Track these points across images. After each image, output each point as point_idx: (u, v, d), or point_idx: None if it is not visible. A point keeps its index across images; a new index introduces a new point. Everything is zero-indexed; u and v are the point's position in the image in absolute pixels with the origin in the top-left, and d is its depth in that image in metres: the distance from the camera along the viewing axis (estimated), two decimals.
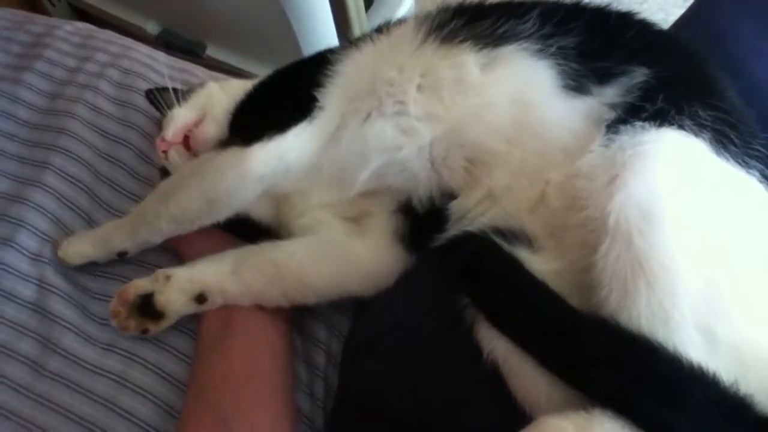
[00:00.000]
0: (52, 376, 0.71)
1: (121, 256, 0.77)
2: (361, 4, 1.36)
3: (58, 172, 0.84)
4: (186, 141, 0.79)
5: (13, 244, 0.77)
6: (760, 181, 0.57)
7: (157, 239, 0.75)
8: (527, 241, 0.60)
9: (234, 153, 0.70)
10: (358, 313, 0.77)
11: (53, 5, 1.75)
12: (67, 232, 0.80)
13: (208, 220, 0.72)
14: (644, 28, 0.67)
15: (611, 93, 0.61)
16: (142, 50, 1.01)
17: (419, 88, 0.68)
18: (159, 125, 0.88)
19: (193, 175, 0.71)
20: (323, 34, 1.41)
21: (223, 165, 0.70)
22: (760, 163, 0.58)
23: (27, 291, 0.76)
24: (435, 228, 0.66)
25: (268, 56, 1.54)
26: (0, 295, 0.75)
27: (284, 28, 1.39)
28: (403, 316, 0.66)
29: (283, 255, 0.71)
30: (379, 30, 0.75)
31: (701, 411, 0.47)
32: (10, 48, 0.99)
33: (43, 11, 1.73)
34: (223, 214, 0.72)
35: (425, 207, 0.69)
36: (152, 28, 1.66)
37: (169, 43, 1.63)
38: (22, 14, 1.07)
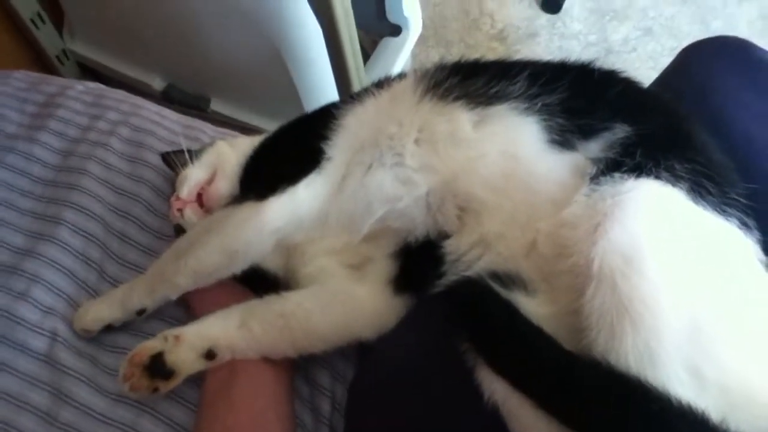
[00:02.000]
0: (63, 426, 0.73)
1: (140, 315, 0.79)
2: (360, 61, 1.41)
3: (71, 227, 0.87)
4: (199, 198, 0.83)
5: (27, 298, 0.80)
6: (740, 228, 0.60)
7: (174, 295, 0.77)
8: (523, 285, 0.63)
9: (250, 207, 0.73)
10: (361, 359, 0.79)
11: (62, 63, 1.81)
12: (80, 284, 0.83)
13: (226, 273, 0.75)
14: (627, 86, 0.70)
15: (594, 148, 0.64)
16: (152, 108, 1.05)
17: (417, 141, 0.72)
18: (168, 180, 0.92)
19: (210, 231, 0.74)
20: (324, 88, 1.46)
21: (240, 219, 0.73)
22: (738, 211, 0.61)
23: (39, 343, 0.78)
24: (432, 271, 0.69)
25: (271, 110, 1.59)
26: (13, 347, 0.77)
27: (286, 82, 1.44)
28: (406, 360, 0.68)
29: (291, 305, 0.73)
30: (380, 84, 0.79)
31: None
32: (25, 108, 1.03)
33: (52, 69, 1.79)
34: (239, 266, 0.75)
35: (422, 247, 0.71)
36: (158, 83, 1.71)
37: (175, 97, 1.68)
38: (36, 75, 1.11)
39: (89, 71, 1.83)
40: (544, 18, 2.11)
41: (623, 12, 2.08)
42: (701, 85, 0.78)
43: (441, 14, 2.14)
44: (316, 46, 1.40)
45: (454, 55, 2.06)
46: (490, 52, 2.06)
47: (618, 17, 2.07)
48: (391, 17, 1.83)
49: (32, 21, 1.68)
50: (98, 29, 1.75)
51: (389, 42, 1.84)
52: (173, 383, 0.71)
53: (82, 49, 1.80)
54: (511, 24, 2.11)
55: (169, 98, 1.69)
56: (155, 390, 0.71)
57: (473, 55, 2.22)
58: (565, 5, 2.10)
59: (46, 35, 1.74)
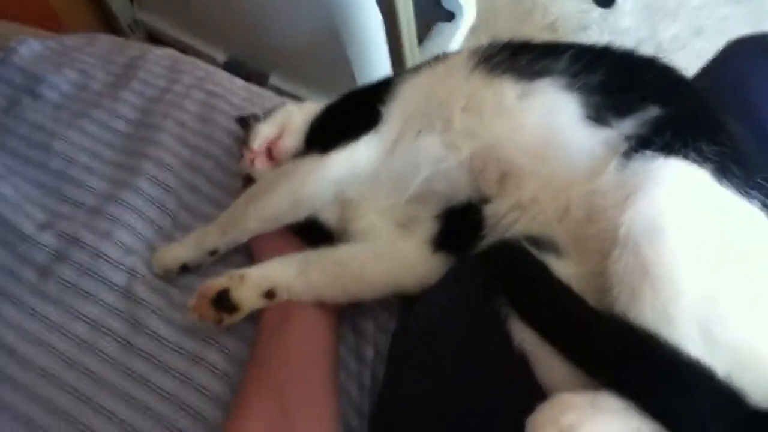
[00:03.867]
0: (139, 352, 0.81)
1: (212, 255, 0.87)
2: (415, 44, 1.48)
3: (150, 177, 0.96)
4: (269, 152, 0.91)
5: (111, 238, 0.89)
6: (762, 209, 0.65)
7: (244, 238, 0.86)
8: (554, 248, 0.69)
9: (314, 159, 0.82)
10: (403, 313, 0.86)
11: (132, 32, 1.92)
12: (156, 229, 0.92)
13: (290, 219, 0.84)
14: (662, 71, 0.75)
15: (627, 125, 0.69)
16: (223, 75, 1.14)
17: (464, 109, 0.78)
18: (237, 141, 1.01)
19: (278, 180, 0.83)
20: (379, 68, 1.52)
21: (305, 170, 0.82)
22: (762, 194, 0.65)
23: (120, 277, 0.87)
24: (473, 234, 0.75)
25: (327, 86, 1.65)
26: (97, 279, 0.86)
27: (343, 61, 1.51)
28: (444, 314, 0.75)
29: (345, 255, 0.81)
30: (437, 58, 0.87)
31: (696, 395, 0.55)
32: (109, 68, 1.12)
33: (124, 37, 1.89)
34: (303, 213, 0.84)
35: (464, 210, 0.78)
36: (220, 56, 1.80)
37: (235, 71, 1.76)
38: (119, 40, 1.22)
39: (156, 41, 1.92)
40: (597, 12, 2.13)
41: (675, 10, 2.09)
42: (740, 78, 0.83)
43: (494, 3, 2.18)
44: (373, 26, 1.46)
45: None
46: None
47: (670, 15, 2.08)
48: (446, 3, 1.89)
49: None
50: (167, 2, 1.84)
51: (443, 27, 1.90)
52: (236, 317, 0.79)
53: (151, 19, 1.90)
54: (563, 16, 2.14)
55: (230, 71, 1.74)
56: (219, 321, 0.79)
57: None
58: (619, 0, 2.12)
59: (119, 4, 1.85)
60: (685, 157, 0.64)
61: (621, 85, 0.73)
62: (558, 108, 0.73)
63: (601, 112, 0.71)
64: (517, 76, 0.76)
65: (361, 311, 0.87)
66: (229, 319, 0.79)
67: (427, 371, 0.74)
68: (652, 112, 0.69)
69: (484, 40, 0.83)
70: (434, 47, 1.85)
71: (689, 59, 0.92)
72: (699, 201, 0.63)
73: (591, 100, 0.72)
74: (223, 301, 0.78)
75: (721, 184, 0.63)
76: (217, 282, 0.79)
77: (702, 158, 0.64)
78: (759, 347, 0.59)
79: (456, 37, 1.90)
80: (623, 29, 2.08)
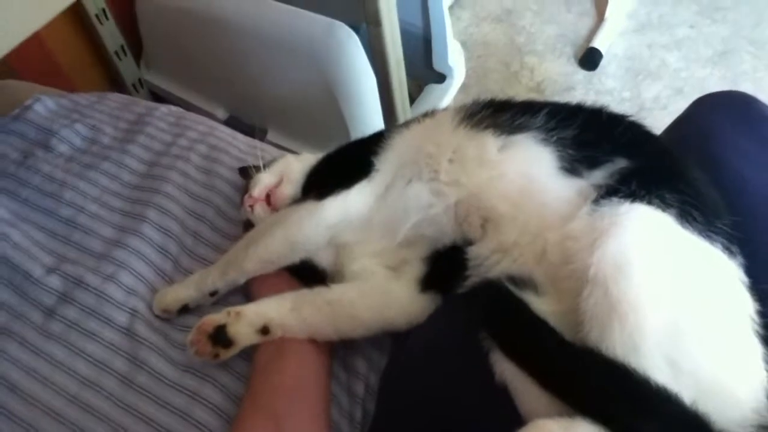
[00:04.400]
0: (139, 389, 0.84)
1: (212, 295, 0.92)
2: (407, 103, 1.56)
3: (154, 224, 1.01)
4: (268, 199, 0.97)
5: (115, 280, 0.94)
6: (723, 251, 0.70)
7: (242, 279, 0.91)
8: (534, 287, 0.73)
9: (310, 205, 0.88)
10: (394, 350, 0.90)
11: (137, 91, 2.01)
12: (158, 272, 0.97)
13: (287, 261, 0.89)
14: (630, 127, 0.82)
15: (597, 176, 0.76)
16: (225, 131, 1.21)
17: (450, 161, 0.84)
18: (237, 191, 1.07)
19: (276, 224, 0.88)
20: (372, 126, 1.60)
21: (301, 215, 0.88)
22: (723, 238, 0.71)
23: (122, 318, 0.91)
24: (458, 274, 0.80)
25: (322, 143, 1.73)
26: (101, 320, 0.90)
27: (338, 119, 1.58)
28: (432, 342, 0.79)
29: (337, 295, 0.86)
30: (426, 114, 0.94)
31: (664, 420, 0.59)
32: (118, 124, 1.20)
33: (129, 95, 1.98)
34: (298, 256, 0.89)
35: (450, 253, 0.84)
36: (221, 113, 1.88)
37: (235, 127, 1.84)
38: (127, 97, 1.29)
39: (160, 99, 2.01)
40: (581, 74, 2.24)
41: (657, 72, 2.20)
42: (705, 132, 0.88)
43: (483, 65, 2.30)
44: (367, 87, 1.55)
45: None
46: None
47: (651, 76, 2.19)
48: (437, 66, 1.98)
49: (116, 53, 1.89)
50: (171, 63, 1.93)
51: (434, 88, 1.99)
52: (232, 352, 0.83)
53: (155, 79, 1.99)
54: (550, 78, 2.24)
55: (230, 127, 1.85)
56: (216, 356, 0.82)
57: None
58: (602, 62, 2.23)
59: (126, 66, 1.94)
60: (649, 203, 0.70)
61: (592, 139, 0.79)
62: (535, 160, 0.80)
63: (573, 164, 0.78)
64: (498, 131, 0.83)
65: (353, 349, 0.91)
66: (224, 354, 0.83)
67: (416, 403, 0.77)
68: (620, 163, 0.76)
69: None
70: (426, 106, 1.94)
71: (670, 117, 0.99)
72: (661, 242, 0.68)
73: (565, 153, 0.78)
74: (220, 337, 0.82)
75: (683, 228, 0.69)
76: (215, 318, 0.83)
77: (665, 204, 0.70)
78: (720, 375, 0.64)
79: (446, 97, 1.99)
80: (607, 90, 2.18)
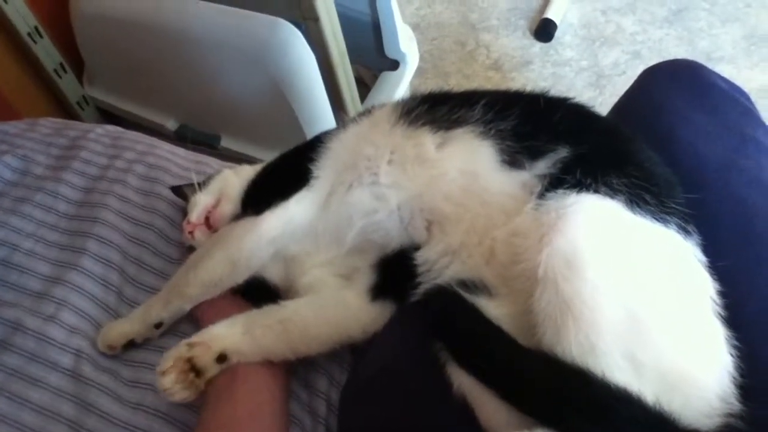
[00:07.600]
0: None
1: (157, 328, 0.87)
2: (356, 94, 1.52)
3: (93, 256, 0.97)
4: (207, 221, 0.92)
5: (56, 320, 0.89)
6: (678, 233, 0.67)
7: (187, 306, 0.86)
8: (485, 290, 0.70)
9: (249, 221, 0.84)
10: (354, 364, 0.86)
11: (83, 109, 1.94)
12: (102, 306, 0.92)
13: (231, 282, 0.84)
14: (570, 111, 0.79)
15: (540, 167, 0.72)
16: (165, 147, 1.16)
17: (389, 162, 0.81)
18: (179, 210, 1.02)
19: (215, 245, 0.84)
20: (325, 122, 1.55)
21: (241, 232, 0.83)
22: (677, 218, 0.68)
23: (66, 360, 0.86)
24: (409, 280, 0.77)
25: (277, 144, 1.68)
26: (45, 365, 0.85)
27: (290, 118, 1.53)
28: (388, 362, 0.76)
29: (288, 312, 0.81)
30: (363, 113, 0.89)
31: (625, 424, 0.56)
32: (51, 151, 1.14)
33: (74, 114, 1.91)
34: (242, 275, 0.84)
35: (399, 258, 0.80)
36: (171, 124, 1.81)
37: (187, 137, 1.79)
38: (60, 121, 1.23)
39: (107, 115, 1.95)
40: (538, 46, 2.21)
41: (613, 38, 2.17)
42: (654, 105, 0.86)
43: (439, 47, 2.25)
44: (315, 82, 1.50)
45: (451, 85, 2.16)
46: (487, 81, 2.15)
47: (608, 42, 2.16)
48: (389, 53, 1.94)
49: (55, 71, 1.81)
50: (115, 76, 1.86)
51: (388, 76, 1.94)
52: (203, 380, 0.77)
53: (100, 94, 1.92)
54: (506, 54, 2.21)
55: (182, 137, 1.79)
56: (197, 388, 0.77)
57: (470, 84, 2.32)
58: (557, 33, 2.20)
59: (67, 83, 1.86)
60: (596, 191, 0.66)
61: (531, 128, 0.76)
62: (474, 155, 0.76)
63: (515, 157, 0.74)
64: (436, 127, 0.79)
65: (313, 367, 0.87)
66: (200, 383, 0.77)
67: (378, 414, 0.75)
68: (562, 152, 0.72)
69: (431, 83, 0.86)
70: (381, 95, 1.89)
71: (630, 83, 0.95)
72: (612, 232, 0.65)
73: (505, 146, 0.75)
74: (192, 368, 0.77)
75: (634, 213, 0.66)
76: (180, 351, 0.78)
77: (613, 191, 0.66)
78: (683, 363, 0.61)
79: (402, 84, 1.94)
80: (565, 60, 2.15)
